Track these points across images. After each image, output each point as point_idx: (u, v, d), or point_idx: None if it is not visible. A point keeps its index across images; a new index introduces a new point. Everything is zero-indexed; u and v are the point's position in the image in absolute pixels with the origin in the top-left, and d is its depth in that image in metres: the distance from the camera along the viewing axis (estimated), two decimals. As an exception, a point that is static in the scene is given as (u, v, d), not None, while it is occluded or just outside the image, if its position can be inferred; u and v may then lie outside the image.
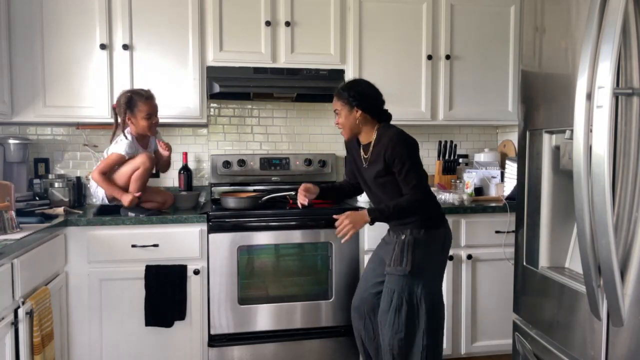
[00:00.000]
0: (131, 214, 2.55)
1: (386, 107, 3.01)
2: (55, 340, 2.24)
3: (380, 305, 2.26)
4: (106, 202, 2.64)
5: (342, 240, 2.25)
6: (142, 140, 2.66)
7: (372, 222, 2.20)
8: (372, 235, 2.75)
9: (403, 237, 2.20)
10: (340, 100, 2.25)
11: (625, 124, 1.26)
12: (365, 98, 2.23)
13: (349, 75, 3.01)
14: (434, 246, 2.22)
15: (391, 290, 2.20)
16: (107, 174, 2.57)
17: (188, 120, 2.87)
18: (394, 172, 2.18)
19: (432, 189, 3.06)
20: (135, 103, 2.55)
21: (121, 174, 2.57)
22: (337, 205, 2.95)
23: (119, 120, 2.59)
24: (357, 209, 2.77)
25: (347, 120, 2.26)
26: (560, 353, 1.54)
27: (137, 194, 2.57)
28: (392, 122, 3.13)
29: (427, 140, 3.53)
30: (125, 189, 2.57)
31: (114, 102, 2.67)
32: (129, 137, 2.58)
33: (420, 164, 2.20)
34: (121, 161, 2.57)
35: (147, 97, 2.57)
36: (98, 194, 2.63)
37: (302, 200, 2.36)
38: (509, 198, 2.97)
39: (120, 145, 2.57)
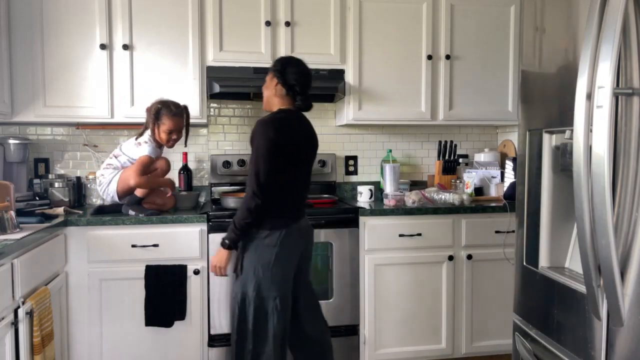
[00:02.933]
0: (132, 213, 2.56)
1: (386, 107, 3.06)
2: (55, 340, 2.24)
3: None
4: (116, 199, 2.64)
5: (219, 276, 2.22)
6: (159, 147, 2.73)
7: (229, 248, 2.12)
8: (373, 234, 2.75)
9: None
10: (271, 68, 2.23)
11: (625, 124, 1.26)
12: (284, 73, 2.15)
13: (349, 75, 3.01)
14: (265, 248, 2.09)
15: (232, 292, 2.16)
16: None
17: (188, 120, 2.87)
18: None
19: (432, 189, 3.07)
20: (161, 116, 2.61)
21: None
22: (337, 205, 2.95)
23: (147, 125, 2.64)
24: (357, 209, 2.77)
25: (267, 88, 2.22)
26: (560, 353, 1.54)
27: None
28: (391, 123, 3.16)
29: (427, 140, 3.53)
30: (130, 191, 2.62)
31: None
32: (152, 143, 2.63)
33: (270, 160, 2.04)
34: (152, 163, 2.63)
35: (174, 114, 2.62)
36: (110, 190, 2.63)
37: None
38: (506, 197, 2.98)
39: (145, 148, 2.61)
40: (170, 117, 2.60)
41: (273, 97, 2.20)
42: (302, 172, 2.23)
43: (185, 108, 2.68)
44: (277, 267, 2.11)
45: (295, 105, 2.20)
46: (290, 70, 2.16)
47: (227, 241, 2.12)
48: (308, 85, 2.21)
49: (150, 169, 2.64)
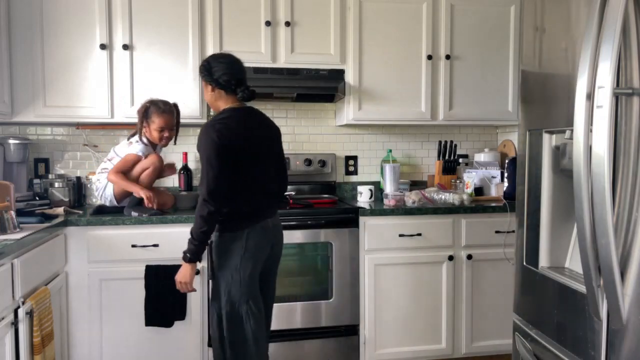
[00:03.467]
0: (134, 214, 2.56)
1: (386, 107, 3.06)
2: (55, 340, 2.24)
3: None
4: (115, 203, 2.64)
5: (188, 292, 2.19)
6: (153, 147, 2.71)
7: (191, 261, 2.05)
8: (373, 234, 2.75)
9: (210, 240, 2.10)
10: (200, 76, 2.16)
11: (626, 124, 1.26)
12: (212, 74, 2.07)
13: (349, 75, 3.01)
14: (229, 250, 2.05)
15: (210, 298, 2.13)
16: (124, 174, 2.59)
17: (188, 120, 2.87)
18: None
19: (432, 189, 3.07)
20: (150, 114, 2.60)
21: (131, 174, 2.61)
22: (337, 205, 2.95)
23: (137, 124, 2.64)
24: (357, 209, 2.77)
25: (205, 95, 2.15)
26: (560, 353, 1.54)
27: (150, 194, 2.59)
28: (391, 123, 3.16)
29: (427, 140, 3.53)
30: (128, 192, 2.60)
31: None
32: (145, 140, 2.63)
33: (219, 164, 1.97)
34: (138, 161, 2.61)
35: (163, 111, 2.60)
36: (106, 194, 2.63)
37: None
38: (506, 197, 2.98)
39: (135, 147, 2.61)
40: (159, 114, 2.59)
41: (215, 102, 2.13)
42: (264, 168, 2.13)
43: (175, 106, 2.67)
44: (245, 269, 2.06)
45: (238, 99, 2.11)
46: (216, 70, 2.06)
47: (188, 255, 2.04)
48: (242, 73, 2.11)
49: (142, 167, 2.61)
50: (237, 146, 2.02)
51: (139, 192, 2.55)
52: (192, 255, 2.04)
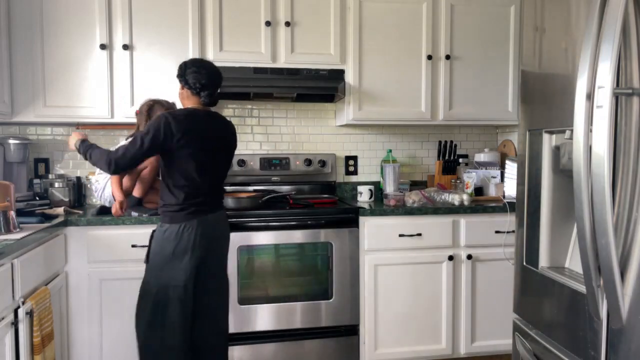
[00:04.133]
0: (134, 214, 2.56)
1: (386, 107, 3.06)
2: (55, 340, 2.24)
3: None
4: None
5: None
6: None
7: (77, 147, 2.28)
8: (373, 234, 2.75)
9: (153, 230, 2.25)
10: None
11: (625, 123, 1.26)
12: (185, 75, 2.23)
13: (349, 76, 3.01)
14: (165, 242, 2.17)
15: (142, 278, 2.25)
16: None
17: (188, 120, 2.87)
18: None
19: (432, 189, 3.07)
20: (155, 112, 2.59)
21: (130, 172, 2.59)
22: (337, 205, 2.95)
23: (139, 126, 2.60)
24: (357, 209, 2.77)
25: (179, 92, 2.31)
26: (560, 353, 1.54)
27: (124, 203, 2.56)
28: (391, 123, 3.16)
29: (427, 140, 3.53)
30: (127, 192, 2.59)
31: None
32: None
33: (148, 148, 2.12)
34: None
35: (166, 108, 2.59)
36: (105, 195, 2.61)
37: None
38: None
39: None
40: (163, 111, 2.59)
41: (183, 100, 2.30)
42: (212, 166, 2.25)
43: (173, 104, 2.67)
44: (177, 260, 2.16)
45: (201, 102, 2.25)
46: (189, 71, 2.23)
47: (81, 146, 2.26)
48: (210, 79, 2.24)
49: (141, 165, 2.61)
50: (182, 141, 2.13)
51: (116, 202, 2.54)
52: (78, 147, 2.27)
